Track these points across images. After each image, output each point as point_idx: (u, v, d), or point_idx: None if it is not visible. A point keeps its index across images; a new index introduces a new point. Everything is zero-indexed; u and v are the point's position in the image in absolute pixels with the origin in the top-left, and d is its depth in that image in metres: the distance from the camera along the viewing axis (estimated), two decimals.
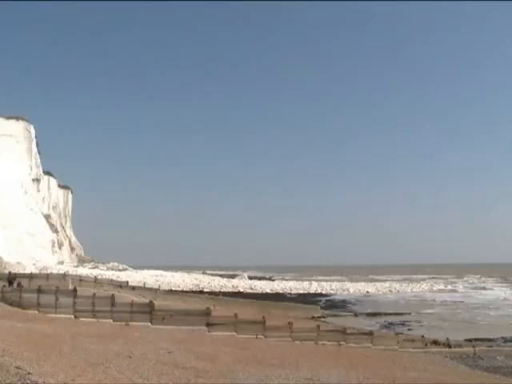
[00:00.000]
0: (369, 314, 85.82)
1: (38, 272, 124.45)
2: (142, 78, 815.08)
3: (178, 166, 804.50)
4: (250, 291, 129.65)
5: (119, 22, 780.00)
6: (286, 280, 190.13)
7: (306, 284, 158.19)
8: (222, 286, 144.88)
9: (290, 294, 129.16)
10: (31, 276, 79.15)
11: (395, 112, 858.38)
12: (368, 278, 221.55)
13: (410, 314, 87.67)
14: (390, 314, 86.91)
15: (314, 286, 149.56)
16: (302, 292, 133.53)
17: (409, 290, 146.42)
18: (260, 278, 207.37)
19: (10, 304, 50.02)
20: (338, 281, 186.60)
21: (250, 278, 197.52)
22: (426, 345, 50.10)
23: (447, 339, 52.95)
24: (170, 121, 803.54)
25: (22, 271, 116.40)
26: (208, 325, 45.69)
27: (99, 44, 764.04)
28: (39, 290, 52.01)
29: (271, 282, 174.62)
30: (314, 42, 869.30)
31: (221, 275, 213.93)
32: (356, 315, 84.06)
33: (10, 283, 61.36)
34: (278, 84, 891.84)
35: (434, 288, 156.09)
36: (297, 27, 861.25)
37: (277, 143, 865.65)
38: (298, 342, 45.48)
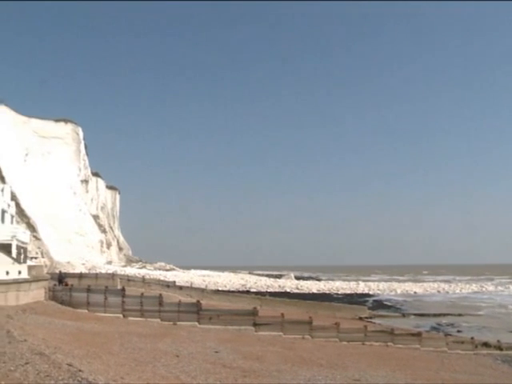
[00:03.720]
0: (417, 315, 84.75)
1: (87, 272, 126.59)
2: (189, 79, 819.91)
3: (227, 166, 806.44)
4: (297, 291, 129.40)
5: (167, 23, 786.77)
6: (333, 280, 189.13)
7: (352, 284, 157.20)
8: (268, 285, 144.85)
9: (337, 294, 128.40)
10: (81, 275, 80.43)
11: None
12: (415, 279, 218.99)
13: (459, 315, 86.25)
14: (439, 314, 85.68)
15: (361, 287, 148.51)
16: (348, 292, 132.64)
17: (458, 291, 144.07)
18: (307, 278, 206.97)
19: (61, 303, 50.95)
20: (385, 281, 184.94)
21: (297, 278, 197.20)
22: (476, 347, 49.20)
23: (498, 341, 51.83)
24: (216, 122, 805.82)
25: (71, 271, 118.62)
26: (255, 325, 45.82)
27: (146, 46, 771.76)
28: (89, 290, 52.88)
29: (318, 282, 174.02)
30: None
31: (267, 275, 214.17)
32: (404, 316, 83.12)
33: (61, 282, 62.46)
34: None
35: (484, 289, 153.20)
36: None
37: (314, 143, 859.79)
38: (344, 342, 45.26)
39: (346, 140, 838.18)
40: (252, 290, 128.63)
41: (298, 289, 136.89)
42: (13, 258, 53.90)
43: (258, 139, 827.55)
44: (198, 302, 51.00)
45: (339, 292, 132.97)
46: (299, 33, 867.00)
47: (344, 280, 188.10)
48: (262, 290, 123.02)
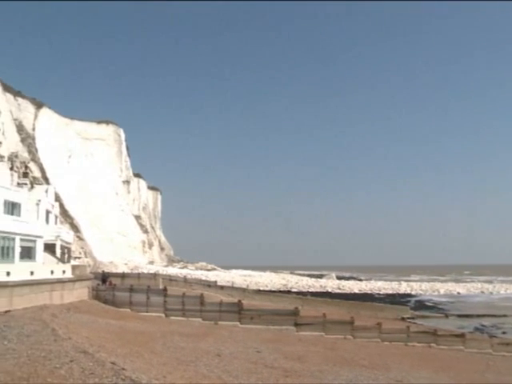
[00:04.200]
0: (460, 316, 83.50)
1: (129, 271, 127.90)
2: (228, 79, 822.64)
3: (268, 165, 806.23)
4: (338, 291, 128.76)
5: (205, 26, 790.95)
6: (375, 280, 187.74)
7: (394, 284, 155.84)
8: (309, 285, 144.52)
9: (379, 294, 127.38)
10: (123, 275, 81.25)
11: None
12: (457, 279, 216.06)
13: (504, 316, 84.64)
14: (482, 315, 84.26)
15: (403, 287, 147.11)
16: (390, 292, 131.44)
17: (502, 291, 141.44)
18: (348, 278, 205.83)
19: (104, 302, 51.56)
20: (427, 281, 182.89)
21: (338, 277, 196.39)
22: None
23: None
24: (258, 121, 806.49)
25: (114, 270, 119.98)
26: (296, 325, 45.74)
27: (187, 48, 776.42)
28: (131, 289, 53.42)
29: (359, 282, 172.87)
30: None
31: (309, 275, 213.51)
32: (447, 316, 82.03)
33: (104, 282, 63.22)
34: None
35: None
36: None
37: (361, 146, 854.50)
38: (387, 343, 44.89)
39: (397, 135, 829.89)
40: (293, 289, 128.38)
41: (339, 289, 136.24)
42: (57, 258, 54.75)
43: (299, 137, 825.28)
44: (240, 301, 51.09)
45: (381, 292, 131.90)
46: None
47: (386, 280, 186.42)
48: (304, 290, 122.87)
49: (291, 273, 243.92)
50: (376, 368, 30.32)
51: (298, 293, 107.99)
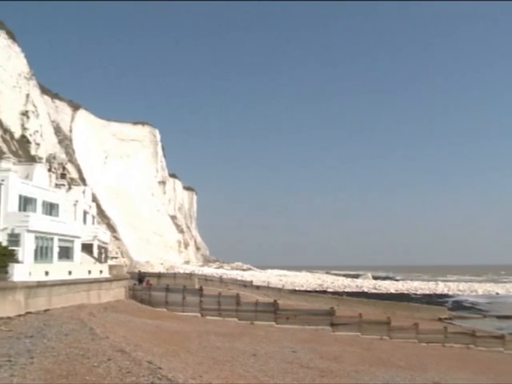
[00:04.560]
0: (499, 317, 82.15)
1: (165, 271, 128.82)
2: (266, 78, 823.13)
3: (301, 164, 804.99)
4: (374, 291, 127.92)
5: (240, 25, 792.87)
6: (411, 280, 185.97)
7: (431, 284, 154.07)
8: (345, 285, 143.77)
9: (415, 294, 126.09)
10: (159, 275, 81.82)
11: None
12: (494, 279, 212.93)
13: None
14: None
15: (440, 287, 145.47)
16: (427, 293, 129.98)
17: None
18: (384, 278, 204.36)
19: (141, 302, 52.06)
20: (465, 281, 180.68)
21: (375, 277, 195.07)
22: None
23: None
24: (292, 121, 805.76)
25: (150, 270, 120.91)
26: (332, 325, 45.60)
27: (224, 48, 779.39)
28: (167, 289, 53.81)
29: (395, 282, 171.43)
30: None
31: (344, 275, 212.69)
32: (485, 317, 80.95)
33: (141, 282, 63.77)
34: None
35: None
36: None
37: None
38: (424, 343, 44.51)
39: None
40: (329, 289, 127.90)
41: (375, 289, 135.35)
42: (94, 258, 55.37)
43: (339, 136, 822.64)
44: (275, 301, 51.14)
45: (417, 292, 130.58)
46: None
47: (422, 280, 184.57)
48: (339, 290, 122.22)
49: (327, 273, 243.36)
50: (413, 369, 30.09)
51: (334, 293, 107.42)
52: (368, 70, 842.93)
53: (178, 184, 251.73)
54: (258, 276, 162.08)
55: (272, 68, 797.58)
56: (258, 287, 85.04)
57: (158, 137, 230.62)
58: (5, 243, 38.19)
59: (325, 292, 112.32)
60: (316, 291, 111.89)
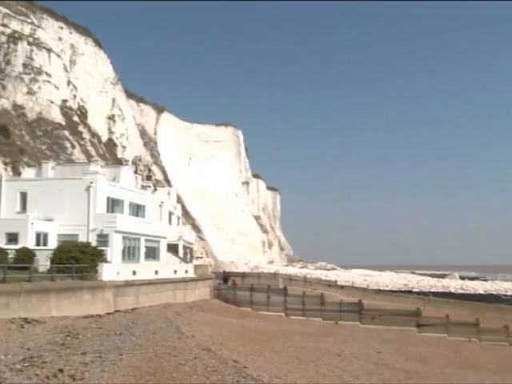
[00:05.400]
0: None
1: (249, 271, 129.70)
2: (344, 78, 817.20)
3: (387, 162, 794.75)
4: (462, 291, 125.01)
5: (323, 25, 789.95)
6: (500, 280, 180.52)
7: None
8: (431, 285, 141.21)
9: (505, 295, 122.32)
10: (244, 275, 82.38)
11: None
12: None
13: None
14: None
15: None
16: None
17: None
18: (472, 278, 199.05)
19: (225, 301, 52.63)
20: None
21: (462, 277, 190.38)
22: None
23: None
24: (372, 118, 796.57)
25: (234, 270, 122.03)
26: (418, 325, 44.84)
27: (301, 48, 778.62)
28: (252, 289, 54.21)
29: (484, 282, 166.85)
30: None
31: (430, 275, 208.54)
32: None
33: (225, 281, 64.49)
34: None
35: None
36: None
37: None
38: None
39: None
40: (414, 289, 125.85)
41: (462, 289, 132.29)
42: (180, 258, 56.28)
43: (421, 134, 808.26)
44: (360, 301, 50.73)
45: (507, 293, 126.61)
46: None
47: None
48: (425, 290, 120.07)
49: (412, 272, 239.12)
50: (504, 373, 29.25)
51: (420, 293, 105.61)
52: None
53: (262, 184, 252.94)
54: (342, 276, 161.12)
55: (357, 66, 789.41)
56: (342, 287, 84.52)
57: (241, 137, 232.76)
58: (94, 244, 39.31)
59: (410, 292, 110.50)
60: (401, 291, 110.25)
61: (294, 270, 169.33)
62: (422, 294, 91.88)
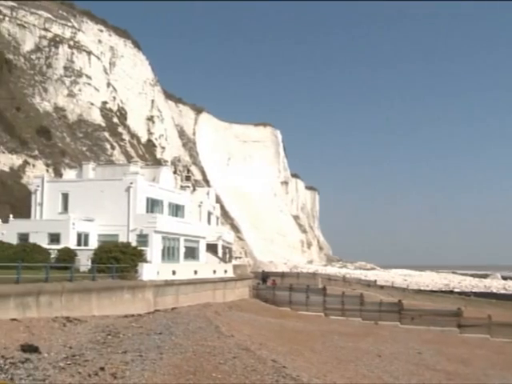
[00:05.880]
0: None
1: (288, 271, 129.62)
2: (383, 74, 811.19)
3: (426, 161, 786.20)
4: (504, 292, 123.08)
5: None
6: None
7: None
8: (473, 286, 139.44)
9: None
10: (283, 274, 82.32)
11: None
12: None
13: None
14: None
15: None
16: None
17: None
18: None
19: (265, 301, 52.74)
20: None
21: (504, 277, 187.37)
22: None
23: None
24: (403, 117, 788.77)
25: (273, 270, 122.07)
26: (459, 326, 44.29)
27: (346, 46, 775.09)
28: (291, 288, 54.21)
29: None
30: None
31: (472, 275, 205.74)
32: None
33: (264, 281, 64.55)
34: None
35: None
36: None
37: None
38: None
39: None
40: (455, 289, 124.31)
41: (505, 289, 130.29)
42: (219, 258, 56.56)
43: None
44: (400, 301, 50.33)
45: None
46: None
47: None
48: (467, 290, 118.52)
49: (453, 272, 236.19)
50: None
51: (461, 293, 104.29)
52: None
53: (300, 184, 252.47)
54: (381, 275, 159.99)
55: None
56: (381, 287, 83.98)
57: (280, 137, 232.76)
58: (134, 244, 39.73)
59: (451, 292, 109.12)
60: (442, 291, 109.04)
61: (333, 270, 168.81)
62: (464, 294, 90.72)
